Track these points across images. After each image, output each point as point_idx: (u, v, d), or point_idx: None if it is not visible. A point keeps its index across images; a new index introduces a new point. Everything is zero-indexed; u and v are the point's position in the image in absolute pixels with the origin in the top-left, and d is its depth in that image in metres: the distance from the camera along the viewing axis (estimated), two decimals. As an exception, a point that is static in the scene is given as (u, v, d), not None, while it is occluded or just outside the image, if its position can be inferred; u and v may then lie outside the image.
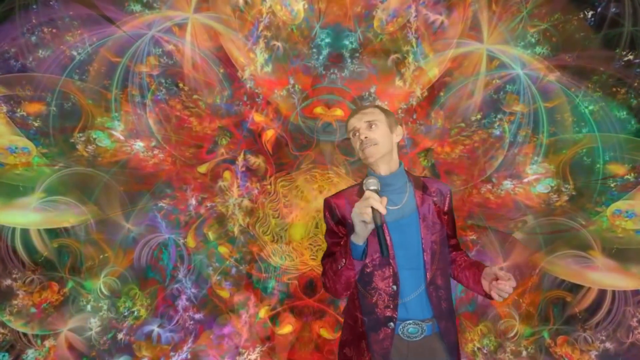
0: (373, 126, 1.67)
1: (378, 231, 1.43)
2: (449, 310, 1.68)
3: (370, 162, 1.66)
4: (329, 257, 1.70)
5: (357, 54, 3.32)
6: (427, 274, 1.61)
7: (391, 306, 1.59)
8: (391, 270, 1.58)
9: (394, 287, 1.58)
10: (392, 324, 1.59)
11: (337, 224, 1.71)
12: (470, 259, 1.84)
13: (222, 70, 3.30)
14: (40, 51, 3.19)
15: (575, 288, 3.29)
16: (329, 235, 1.75)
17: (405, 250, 1.58)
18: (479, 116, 3.34)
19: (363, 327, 1.62)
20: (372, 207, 1.43)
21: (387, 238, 1.51)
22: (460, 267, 1.77)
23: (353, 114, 1.73)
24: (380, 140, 1.66)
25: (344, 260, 1.52)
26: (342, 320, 3.25)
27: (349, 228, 1.61)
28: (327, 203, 1.73)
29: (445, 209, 1.75)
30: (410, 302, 1.61)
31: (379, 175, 1.67)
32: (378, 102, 3.35)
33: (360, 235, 1.48)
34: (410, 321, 1.60)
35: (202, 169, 3.36)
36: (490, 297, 1.63)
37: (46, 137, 3.24)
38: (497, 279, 1.58)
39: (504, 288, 1.53)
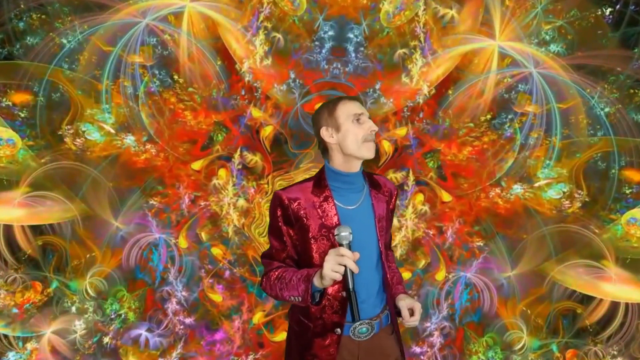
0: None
1: (349, 295, 1.38)
2: (388, 301, 1.69)
3: (364, 157, 1.60)
4: (272, 264, 1.62)
5: (362, 48, 3.21)
6: (387, 275, 1.62)
7: (340, 312, 1.56)
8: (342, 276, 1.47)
9: (344, 292, 1.55)
10: (339, 329, 1.57)
11: (286, 224, 1.60)
12: (395, 267, 1.85)
13: (219, 63, 3.20)
14: (28, 38, 3.10)
15: (586, 299, 3.21)
16: (274, 236, 1.63)
17: (361, 251, 1.47)
18: (489, 116, 3.24)
19: (308, 333, 1.59)
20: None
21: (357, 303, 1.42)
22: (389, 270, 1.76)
23: (352, 99, 1.65)
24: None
25: (299, 298, 1.46)
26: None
27: (301, 230, 1.56)
28: (279, 198, 1.60)
29: (392, 207, 1.75)
30: (363, 304, 1.58)
31: (347, 173, 1.61)
32: (383, 100, 3.23)
33: (324, 284, 1.42)
34: (359, 321, 1.58)
35: (196, 165, 3.26)
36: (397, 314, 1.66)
37: (33, 129, 3.15)
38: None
39: (412, 323, 1.59)
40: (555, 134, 3.18)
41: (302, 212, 1.57)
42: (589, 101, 3.14)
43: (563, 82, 3.14)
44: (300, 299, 1.46)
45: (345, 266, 1.37)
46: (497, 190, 3.24)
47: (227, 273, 3.28)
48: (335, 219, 1.57)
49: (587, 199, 3.18)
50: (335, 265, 1.36)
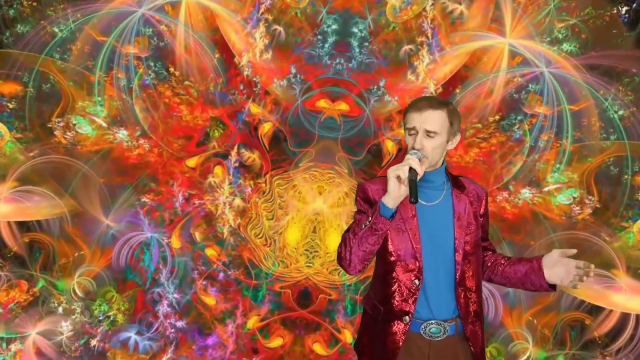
0: (431, 136, 1.56)
1: (411, 182, 1.43)
2: (477, 314, 1.64)
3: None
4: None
5: (367, 44, 3.09)
6: (457, 274, 1.59)
7: (409, 300, 1.57)
8: (416, 264, 1.57)
9: (416, 281, 1.57)
10: (407, 318, 1.57)
11: (366, 202, 1.67)
12: (513, 257, 1.78)
13: (217, 55, 3.10)
14: (18, 26, 3.00)
15: (595, 310, 3.10)
16: (357, 214, 1.69)
17: (435, 248, 1.58)
18: (497, 117, 3.13)
19: (379, 317, 1.62)
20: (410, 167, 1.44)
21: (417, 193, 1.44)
22: (505, 264, 1.70)
23: (419, 107, 1.58)
24: (431, 154, 1.56)
25: (370, 218, 1.48)
26: (337, 335, 3.10)
27: None
28: (361, 186, 1.69)
29: (482, 211, 1.71)
30: (434, 301, 1.59)
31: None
32: (387, 97, 3.11)
33: (391, 195, 1.45)
34: (433, 321, 1.58)
35: (191, 162, 3.15)
36: (551, 289, 1.60)
37: (21, 121, 3.05)
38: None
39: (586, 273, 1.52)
40: (566, 136, 3.07)
41: (379, 199, 1.55)
42: (602, 103, 3.02)
43: (575, 82, 3.03)
44: (371, 218, 1.48)
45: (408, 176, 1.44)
46: (505, 194, 3.14)
47: (221, 275, 3.17)
48: (412, 212, 1.60)
49: (598, 205, 3.07)
50: (399, 166, 1.44)
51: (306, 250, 3.19)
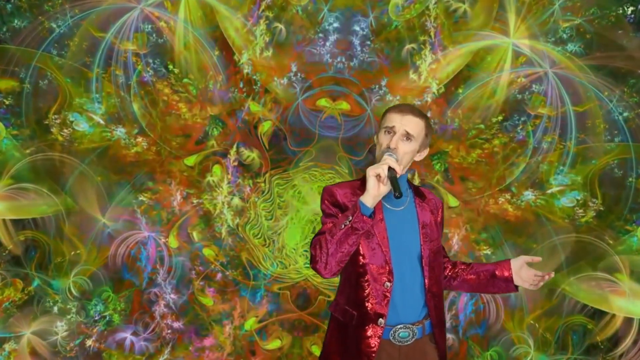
0: (408, 140, 1.60)
1: (392, 179, 1.47)
2: (441, 319, 1.71)
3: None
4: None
5: (368, 42, 3.05)
6: (426, 280, 1.63)
7: (383, 303, 1.58)
8: (387, 267, 1.59)
9: (388, 283, 1.59)
10: (382, 320, 1.57)
11: (334, 206, 1.66)
12: (460, 263, 1.88)
13: (217, 53, 3.05)
14: (15, 21, 2.95)
15: (598, 314, 3.06)
16: (325, 218, 1.67)
17: (402, 252, 1.61)
18: (500, 118, 3.08)
19: (352, 322, 1.60)
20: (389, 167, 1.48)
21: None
22: (465, 269, 1.82)
23: (401, 110, 1.64)
24: (403, 157, 1.60)
25: (350, 217, 1.47)
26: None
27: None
28: (328, 190, 1.68)
29: (439, 220, 1.79)
30: (402, 305, 1.61)
31: None
32: (389, 97, 3.08)
33: (370, 194, 1.47)
34: (401, 325, 1.60)
35: (190, 161, 3.11)
36: (513, 290, 1.74)
37: (18, 118, 3.01)
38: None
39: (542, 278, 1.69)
40: (570, 138, 3.03)
41: (348, 202, 1.61)
42: (607, 105, 2.98)
43: (580, 83, 2.99)
44: (351, 217, 1.47)
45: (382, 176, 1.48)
46: (507, 196, 3.09)
47: (219, 276, 3.13)
48: (379, 216, 1.62)
49: (601, 208, 3.03)
50: (377, 165, 1.48)
51: (305, 251, 3.14)
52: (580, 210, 3.05)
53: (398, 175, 1.49)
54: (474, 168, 3.10)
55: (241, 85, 3.07)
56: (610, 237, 3.02)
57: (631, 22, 2.95)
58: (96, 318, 3.08)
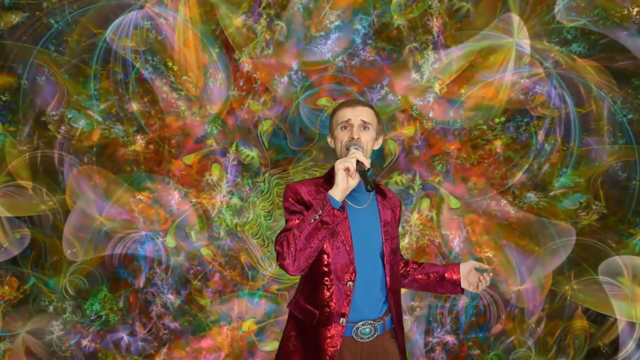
0: (366, 129, 1.66)
1: (361, 172, 1.48)
2: (400, 315, 1.75)
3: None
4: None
5: (370, 41, 3.01)
6: (387, 278, 1.65)
7: (345, 302, 1.59)
8: (350, 267, 1.60)
9: (350, 283, 1.60)
10: (344, 320, 1.59)
11: (299, 203, 1.65)
12: (412, 262, 1.93)
13: (217, 50, 3.01)
14: (13, 16, 2.92)
15: (600, 318, 3.03)
16: (290, 216, 1.65)
17: (365, 250, 1.63)
18: (503, 119, 3.05)
19: (313, 322, 1.60)
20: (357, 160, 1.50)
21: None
22: (417, 269, 1.87)
23: (350, 104, 1.71)
24: (366, 147, 1.65)
25: (319, 211, 1.48)
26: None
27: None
28: (293, 188, 1.66)
29: (397, 217, 1.83)
30: (364, 303, 1.63)
31: None
32: (391, 97, 3.04)
33: (340, 187, 1.49)
34: (363, 321, 1.61)
35: (188, 160, 3.07)
36: (459, 292, 1.80)
37: (14, 114, 2.98)
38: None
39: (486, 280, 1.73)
40: (573, 140, 3.00)
41: (312, 200, 1.61)
42: (611, 106, 2.95)
43: (584, 84, 2.96)
44: (320, 211, 1.48)
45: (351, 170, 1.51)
46: (509, 197, 3.06)
47: (217, 276, 3.08)
48: (343, 215, 1.59)
49: (604, 211, 3.00)
50: (346, 158, 1.50)
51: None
52: (583, 213, 3.02)
53: (367, 168, 1.50)
54: (476, 169, 3.07)
55: (241, 84, 3.03)
56: (613, 240, 3.00)
57: (636, 22, 2.91)
58: (92, 317, 3.04)
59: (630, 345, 2.98)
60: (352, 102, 1.72)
